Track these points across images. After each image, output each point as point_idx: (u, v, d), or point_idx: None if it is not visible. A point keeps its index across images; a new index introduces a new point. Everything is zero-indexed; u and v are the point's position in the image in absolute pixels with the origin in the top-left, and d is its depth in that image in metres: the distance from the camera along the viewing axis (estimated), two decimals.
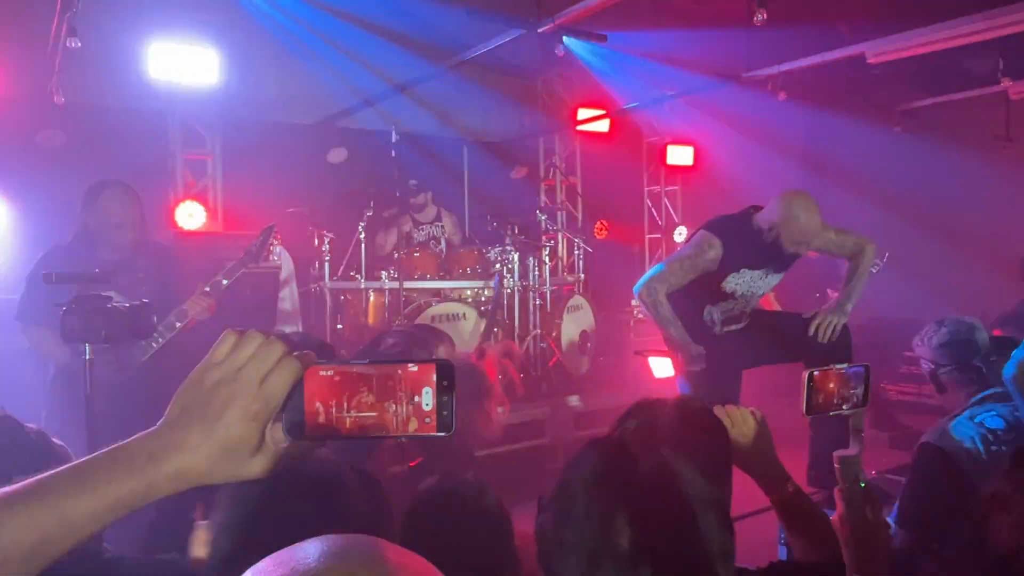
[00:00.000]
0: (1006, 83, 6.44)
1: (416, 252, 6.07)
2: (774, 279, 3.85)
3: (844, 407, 1.62)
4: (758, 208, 3.72)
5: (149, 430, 0.72)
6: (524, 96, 8.18)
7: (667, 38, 6.65)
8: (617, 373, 6.86)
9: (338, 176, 6.58)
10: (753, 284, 3.78)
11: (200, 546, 1.24)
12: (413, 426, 0.75)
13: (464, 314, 5.75)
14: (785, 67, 6.51)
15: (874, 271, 4.19)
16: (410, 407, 0.74)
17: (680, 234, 8.59)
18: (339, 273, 5.95)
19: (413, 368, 0.75)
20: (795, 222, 3.51)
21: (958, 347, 2.56)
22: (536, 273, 6.50)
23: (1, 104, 5.01)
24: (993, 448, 2.30)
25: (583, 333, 6.59)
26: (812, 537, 1.67)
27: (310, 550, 0.65)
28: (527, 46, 6.54)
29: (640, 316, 7.40)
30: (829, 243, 3.84)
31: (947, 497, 2.32)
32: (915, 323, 2.84)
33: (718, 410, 1.73)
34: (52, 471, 0.70)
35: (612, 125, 8.08)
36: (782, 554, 2.13)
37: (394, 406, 0.74)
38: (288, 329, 5.17)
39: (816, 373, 1.57)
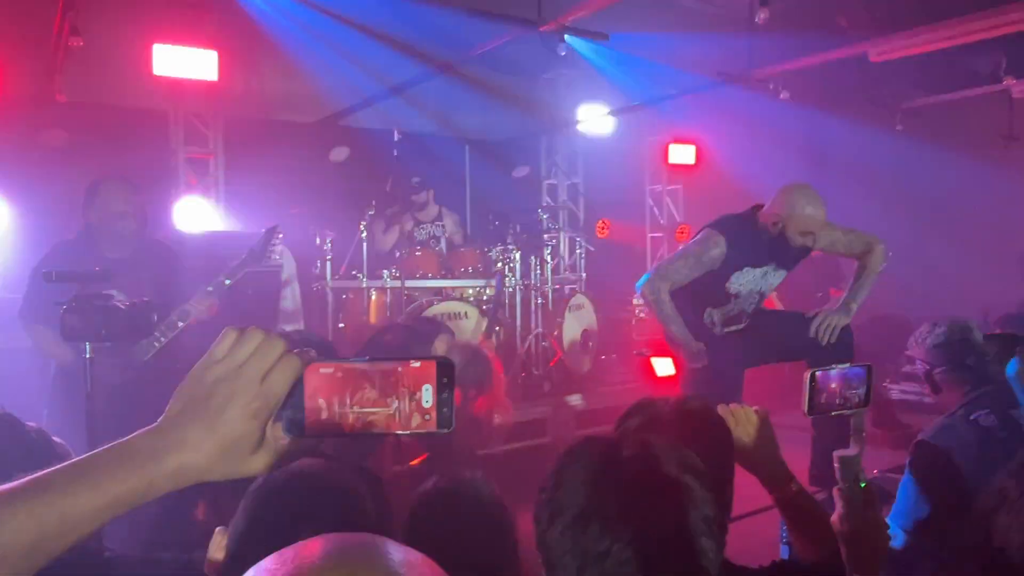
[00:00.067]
0: (1009, 82, 6.43)
1: (418, 251, 6.07)
2: (776, 278, 3.84)
3: (846, 407, 1.62)
4: (762, 207, 3.72)
5: (150, 427, 0.72)
6: (526, 95, 8.18)
7: (669, 37, 6.65)
8: (619, 372, 6.86)
9: (340, 175, 6.58)
10: (755, 283, 3.77)
11: (218, 550, 1.24)
12: (413, 423, 0.75)
13: (466, 313, 5.75)
14: (787, 66, 6.50)
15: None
16: (410, 404, 0.75)
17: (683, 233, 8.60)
18: (341, 272, 5.95)
19: (413, 365, 0.75)
20: (800, 212, 3.51)
21: (952, 348, 2.60)
22: (538, 272, 6.51)
23: (3, 103, 5.01)
24: (988, 446, 2.31)
25: (585, 332, 6.59)
26: (815, 537, 1.67)
27: (313, 548, 0.65)
28: (529, 45, 6.53)
29: (642, 315, 7.40)
30: (836, 242, 3.82)
31: (943, 495, 2.33)
32: (917, 322, 2.85)
33: (722, 409, 1.73)
34: (53, 468, 0.70)
35: (614, 124, 8.07)
36: (784, 553, 2.13)
37: (394, 403, 0.75)
38: (290, 328, 5.17)
39: (818, 373, 1.57)
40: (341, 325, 5.91)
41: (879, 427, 5.78)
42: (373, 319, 5.85)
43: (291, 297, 5.62)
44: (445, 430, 0.75)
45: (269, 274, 5.22)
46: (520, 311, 6.19)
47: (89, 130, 5.46)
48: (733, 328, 3.89)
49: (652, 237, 9.15)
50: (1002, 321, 4.06)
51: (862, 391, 1.63)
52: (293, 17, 5.75)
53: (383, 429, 0.75)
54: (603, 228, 8.19)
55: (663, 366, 5.49)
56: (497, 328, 5.84)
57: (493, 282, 6.04)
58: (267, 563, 0.65)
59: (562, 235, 7.91)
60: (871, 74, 6.94)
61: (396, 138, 6.12)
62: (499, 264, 6.11)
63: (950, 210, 7.93)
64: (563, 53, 5.72)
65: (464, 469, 1.74)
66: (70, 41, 4.46)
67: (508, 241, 6.16)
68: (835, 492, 1.60)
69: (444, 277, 6.06)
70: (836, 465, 1.60)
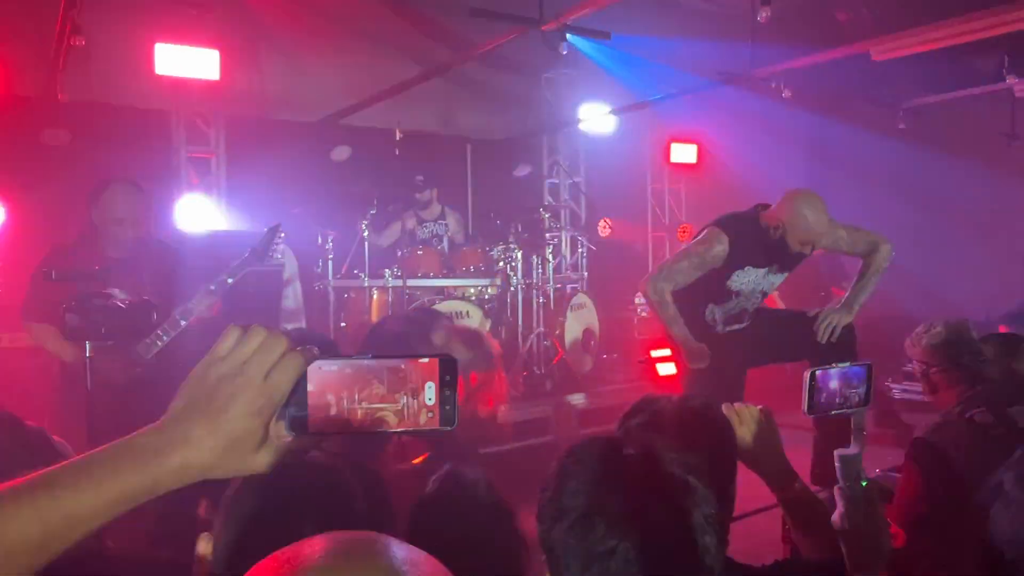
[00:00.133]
0: (1011, 80, 6.42)
1: (419, 250, 6.07)
2: (777, 279, 3.83)
3: (846, 406, 1.62)
4: (766, 206, 3.71)
5: (153, 425, 0.72)
6: (527, 94, 8.18)
7: (671, 36, 6.65)
8: (620, 371, 6.86)
9: (341, 174, 6.58)
10: (757, 283, 3.76)
11: (204, 547, 1.24)
12: (416, 420, 0.75)
13: (467, 312, 5.75)
14: (789, 65, 6.49)
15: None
16: (413, 402, 0.75)
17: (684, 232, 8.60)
18: (342, 271, 5.95)
19: (416, 363, 0.75)
20: (802, 222, 3.49)
21: (948, 347, 2.63)
22: (540, 271, 6.51)
23: (6, 102, 5.01)
24: (984, 443, 2.32)
25: (587, 331, 6.59)
26: (819, 536, 1.67)
27: (315, 546, 0.65)
28: (530, 44, 6.53)
29: (643, 314, 7.40)
30: (840, 241, 3.80)
31: (940, 492, 2.34)
32: (919, 321, 2.85)
33: (726, 408, 1.73)
34: (57, 465, 0.70)
35: (615, 123, 8.07)
36: (787, 552, 2.13)
37: (397, 401, 0.75)
38: (291, 327, 5.18)
39: (818, 372, 1.57)
40: (343, 324, 5.92)
41: (881, 426, 5.78)
42: (375, 318, 5.85)
43: (293, 296, 5.62)
44: (448, 427, 0.76)
45: (271, 273, 5.23)
46: (522, 310, 6.19)
47: (91, 129, 5.47)
48: (735, 327, 3.88)
49: (654, 236, 9.15)
50: (1005, 318, 4.06)
51: (862, 390, 1.63)
52: (295, 15, 5.75)
53: (386, 427, 0.75)
54: (605, 227, 8.19)
55: (665, 365, 5.49)
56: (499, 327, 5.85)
57: (496, 280, 6.06)
58: (269, 562, 0.65)
59: (564, 234, 7.91)
60: (873, 73, 6.93)
61: (398, 137, 6.12)
62: (501, 263, 6.11)
63: (952, 209, 7.92)
64: (565, 52, 5.70)
65: (466, 467, 1.73)
66: (72, 40, 4.46)
67: (510, 240, 6.16)
68: (836, 491, 1.60)
69: (446, 276, 6.07)
70: (837, 464, 1.60)
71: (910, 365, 2.81)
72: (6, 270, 4.97)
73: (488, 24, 5.74)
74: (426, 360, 0.76)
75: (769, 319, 4.04)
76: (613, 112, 7.87)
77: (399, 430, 0.76)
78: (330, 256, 5.81)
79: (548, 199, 8.40)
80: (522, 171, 7.75)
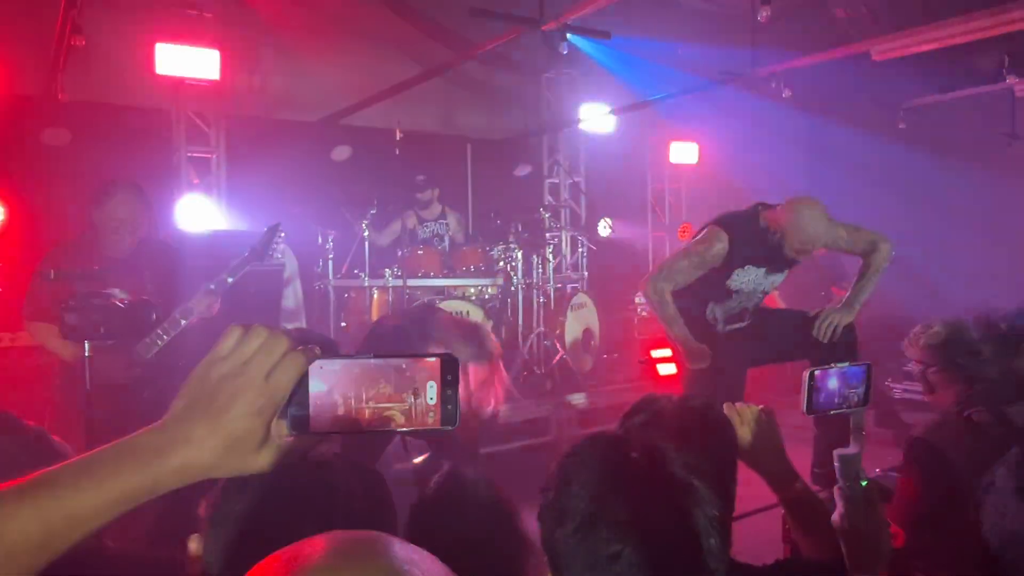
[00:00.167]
0: (1011, 80, 6.42)
1: (420, 250, 6.07)
2: (778, 278, 3.83)
3: (845, 406, 1.62)
4: (766, 206, 3.70)
5: (154, 424, 0.72)
6: (527, 94, 8.18)
7: (671, 36, 6.64)
8: (621, 371, 6.86)
9: (342, 174, 6.58)
10: (756, 282, 3.76)
11: (195, 546, 1.24)
12: (418, 420, 0.75)
13: (468, 312, 5.75)
14: (789, 64, 6.49)
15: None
16: (415, 401, 0.75)
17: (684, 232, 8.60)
18: (343, 271, 5.95)
19: (418, 362, 0.75)
20: (800, 230, 3.50)
21: (946, 347, 2.63)
22: (540, 271, 6.50)
23: (6, 102, 5.02)
24: (982, 442, 2.32)
25: (587, 331, 6.59)
26: (819, 536, 1.67)
27: (316, 546, 0.65)
28: (530, 44, 6.53)
29: (643, 314, 7.39)
30: (840, 240, 3.79)
31: (940, 492, 2.34)
32: (918, 321, 2.85)
33: (727, 407, 1.72)
34: (58, 465, 0.70)
35: (615, 123, 8.07)
36: (788, 552, 2.13)
37: (404, 400, 0.75)
38: (291, 327, 5.17)
39: (816, 372, 1.57)
40: (343, 324, 5.92)
41: (881, 426, 5.78)
42: (375, 318, 5.85)
43: (293, 296, 5.63)
44: (449, 427, 0.76)
45: (271, 273, 5.23)
46: (522, 310, 6.19)
47: (91, 129, 5.47)
48: (735, 326, 3.88)
49: (654, 236, 9.15)
50: (1008, 318, 4.06)
51: (862, 390, 1.63)
52: (295, 14, 5.76)
53: (387, 426, 0.75)
54: (605, 227, 8.19)
55: (666, 365, 5.49)
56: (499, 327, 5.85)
57: (497, 281, 6.05)
58: (269, 562, 0.65)
59: (564, 234, 7.90)
60: (873, 73, 6.92)
61: (398, 137, 6.12)
62: (501, 263, 6.11)
63: (952, 209, 7.91)
64: (565, 52, 5.70)
65: (466, 467, 1.73)
66: (72, 40, 4.46)
67: (510, 240, 6.16)
68: (835, 491, 1.60)
69: (446, 276, 6.07)
70: (836, 464, 1.60)
71: (910, 365, 2.81)
72: (6, 270, 4.97)
73: (488, 24, 5.75)
74: (428, 360, 0.76)
75: (769, 319, 4.04)
76: (613, 112, 7.87)
77: (405, 429, 0.76)
78: (330, 256, 5.81)
79: (548, 199, 8.40)
80: (522, 171, 7.76)
